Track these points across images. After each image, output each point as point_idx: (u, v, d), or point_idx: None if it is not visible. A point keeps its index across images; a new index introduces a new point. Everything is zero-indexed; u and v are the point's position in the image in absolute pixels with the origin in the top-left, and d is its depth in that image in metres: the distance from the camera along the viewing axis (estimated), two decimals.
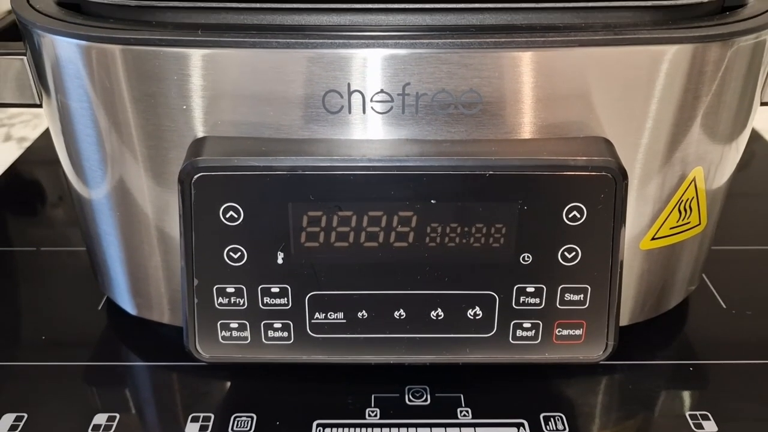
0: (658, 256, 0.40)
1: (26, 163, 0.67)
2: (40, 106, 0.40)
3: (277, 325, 0.36)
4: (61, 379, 0.41)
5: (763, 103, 0.40)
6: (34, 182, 0.64)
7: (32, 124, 0.75)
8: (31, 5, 0.36)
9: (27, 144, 0.70)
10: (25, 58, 0.38)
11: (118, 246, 0.41)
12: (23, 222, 0.58)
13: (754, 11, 0.36)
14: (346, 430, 0.37)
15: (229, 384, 0.41)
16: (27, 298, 0.48)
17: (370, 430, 0.37)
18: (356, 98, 0.33)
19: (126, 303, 0.44)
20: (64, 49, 0.34)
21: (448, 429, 0.37)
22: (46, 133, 0.72)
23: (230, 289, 0.36)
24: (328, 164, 0.33)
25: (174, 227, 0.38)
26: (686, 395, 0.40)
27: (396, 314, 0.36)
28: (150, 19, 0.34)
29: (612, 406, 0.40)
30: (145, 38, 0.32)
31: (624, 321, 0.42)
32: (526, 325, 0.36)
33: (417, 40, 0.32)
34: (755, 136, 0.71)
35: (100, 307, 0.47)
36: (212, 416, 0.38)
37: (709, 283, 0.48)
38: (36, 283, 0.50)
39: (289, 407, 0.39)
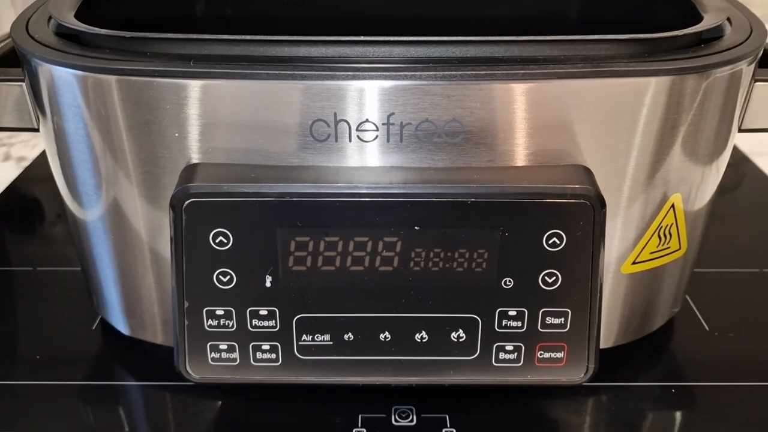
0: (640, 279, 0.41)
1: (25, 182, 0.68)
2: (37, 130, 0.41)
3: (266, 347, 0.37)
4: (55, 398, 0.42)
5: (741, 130, 0.41)
6: (33, 202, 0.65)
7: (31, 143, 0.76)
8: (30, 35, 0.37)
9: (26, 163, 0.71)
10: (23, 84, 0.39)
11: (112, 267, 0.42)
12: (21, 241, 0.59)
13: (730, 43, 0.37)
14: None
15: (219, 403, 0.41)
16: (22, 317, 0.49)
17: None
18: (343, 127, 0.34)
19: (119, 323, 0.45)
20: (62, 78, 0.35)
21: None
22: (45, 153, 0.73)
23: (219, 312, 0.36)
24: (316, 191, 0.34)
25: (166, 249, 0.39)
26: (669, 417, 0.41)
27: (381, 336, 0.37)
28: (145, 50, 0.35)
29: (595, 428, 0.40)
30: (140, 69, 0.33)
31: (608, 343, 0.43)
32: (509, 347, 0.37)
33: (401, 72, 0.33)
34: (744, 158, 0.72)
35: (94, 327, 0.47)
36: None
37: (692, 306, 0.49)
38: (31, 302, 0.50)
39: (278, 427, 0.40)
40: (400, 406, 0.41)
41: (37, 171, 0.70)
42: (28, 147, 0.75)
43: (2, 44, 0.44)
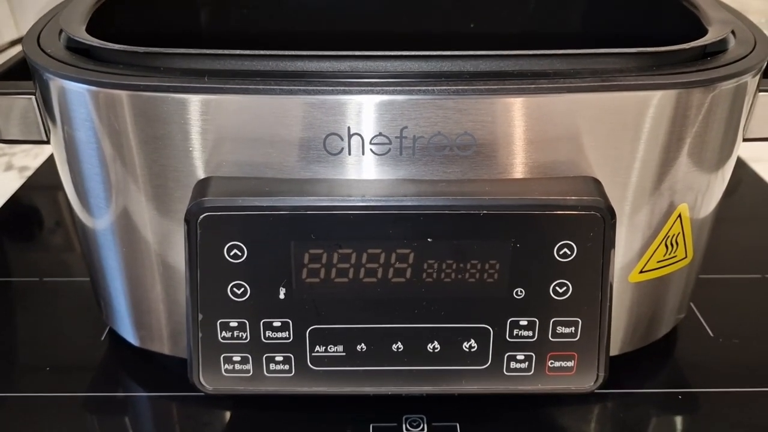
0: (646, 288, 0.42)
1: (28, 192, 0.68)
2: (47, 142, 0.41)
3: (279, 358, 0.37)
4: (65, 409, 0.42)
5: (745, 139, 0.41)
6: (36, 212, 0.65)
7: (33, 153, 0.75)
8: (41, 49, 0.38)
9: (28, 173, 0.71)
10: (34, 97, 0.39)
11: (122, 279, 0.42)
12: (26, 252, 0.59)
13: (734, 56, 0.37)
14: None
15: (230, 414, 0.42)
16: (30, 328, 0.49)
17: None
18: (356, 141, 0.34)
19: (128, 334, 0.45)
20: (73, 92, 0.36)
21: None
22: (48, 162, 0.73)
23: (233, 324, 0.37)
24: (329, 204, 0.34)
25: (176, 261, 0.39)
26: (675, 422, 0.41)
27: (394, 347, 0.37)
28: (158, 65, 0.35)
29: None
30: (153, 84, 0.34)
31: (614, 350, 0.43)
32: (520, 357, 0.37)
33: (414, 87, 0.33)
34: (741, 164, 0.73)
35: (103, 338, 0.48)
36: None
37: (696, 312, 0.50)
38: (39, 313, 0.50)
39: None
40: (411, 415, 0.41)
41: (40, 180, 0.69)
42: (30, 156, 0.75)
43: (2, 51, 0.44)
